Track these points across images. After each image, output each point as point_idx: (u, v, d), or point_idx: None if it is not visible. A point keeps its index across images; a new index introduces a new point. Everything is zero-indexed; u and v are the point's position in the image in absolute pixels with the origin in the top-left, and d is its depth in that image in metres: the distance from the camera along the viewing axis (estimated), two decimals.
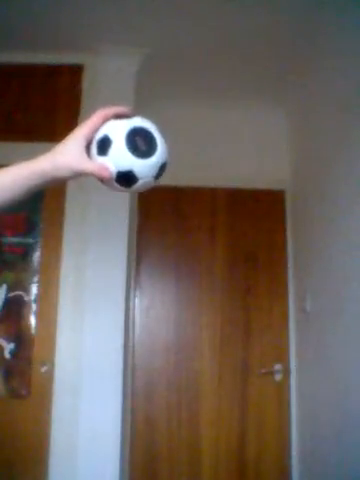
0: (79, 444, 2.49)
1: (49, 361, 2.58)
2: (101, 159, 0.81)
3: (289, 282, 3.18)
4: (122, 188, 0.84)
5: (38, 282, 2.68)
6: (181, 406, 3.03)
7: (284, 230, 3.26)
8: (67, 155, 0.81)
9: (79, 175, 0.82)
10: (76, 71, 2.85)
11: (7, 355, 2.60)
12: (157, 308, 3.15)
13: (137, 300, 3.14)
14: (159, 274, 3.19)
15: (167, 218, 3.25)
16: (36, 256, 2.70)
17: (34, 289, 2.67)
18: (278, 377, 3.07)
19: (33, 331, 2.63)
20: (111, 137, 0.81)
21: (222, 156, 3.30)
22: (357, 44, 2.19)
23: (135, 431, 2.98)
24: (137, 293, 3.15)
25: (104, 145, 0.81)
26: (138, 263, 3.17)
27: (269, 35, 2.61)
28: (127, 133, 0.81)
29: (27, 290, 2.67)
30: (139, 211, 3.21)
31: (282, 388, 3.07)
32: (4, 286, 2.66)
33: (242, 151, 3.32)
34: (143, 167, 0.81)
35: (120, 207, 2.71)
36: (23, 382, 2.58)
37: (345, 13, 2.28)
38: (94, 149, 0.82)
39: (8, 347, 2.61)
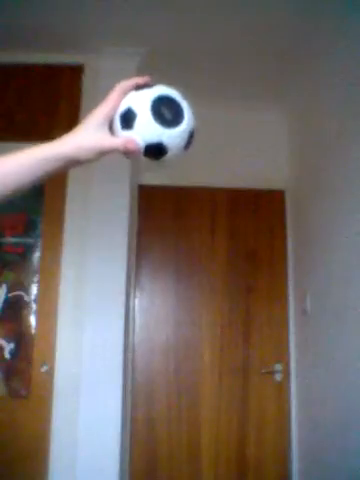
0: (79, 444, 2.48)
1: (49, 361, 2.58)
2: (126, 133, 0.76)
3: (289, 282, 3.18)
4: (151, 161, 0.79)
5: (38, 282, 2.68)
6: (181, 406, 3.03)
7: (284, 230, 3.26)
8: (89, 136, 0.76)
9: (104, 155, 0.78)
10: (76, 71, 2.85)
11: (7, 355, 2.60)
12: (157, 308, 3.15)
13: (137, 300, 3.14)
14: (159, 274, 3.19)
15: (167, 218, 3.25)
16: (36, 256, 2.70)
17: (34, 289, 2.67)
18: (278, 377, 3.07)
19: (33, 331, 2.63)
20: (135, 109, 0.76)
21: (222, 156, 3.30)
22: (356, 45, 2.19)
23: (135, 431, 2.98)
24: (137, 293, 3.15)
25: (128, 118, 0.76)
26: (138, 263, 3.17)
27: (268, 35, 2.61)
28: (152, 103, 0.76)
29: (27, 290, 2.67)
30: (139, 211, 3.20)
31: (282, 388, 3.07)
32: (4, 286, 2.66)
33: (242, 151, 3.32)
34: (172, 137, 0.76)
35: (120, 207, 2.72)
36: (23, 382, 2.58)
37: (345, 14, 2.28)
38: (118, 124, 0.78)
39: (8, 347, 2.61)
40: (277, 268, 3.21)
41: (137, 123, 0.76)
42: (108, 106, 0.78)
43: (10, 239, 2.71)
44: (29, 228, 2.72)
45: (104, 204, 2.69)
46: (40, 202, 2.74)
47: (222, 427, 3.02)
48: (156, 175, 3.24)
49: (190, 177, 3.25)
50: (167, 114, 0.76)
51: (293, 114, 3.24)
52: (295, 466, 2.94)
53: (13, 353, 2.60)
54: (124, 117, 0.77)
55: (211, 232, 3.25)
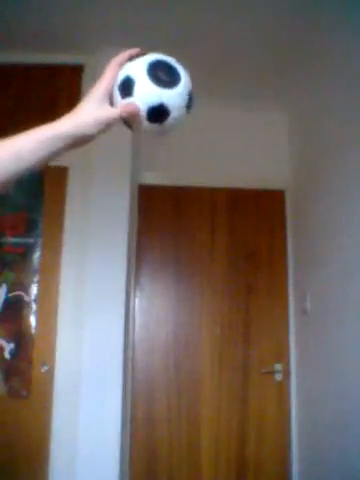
0: (79, 444, 2.49)
1: (49, 361, 2.58)
2: (127, 100, 0.78)
3: (289, 282, 3.18)
4: (155, 127, 0.80)
5: (38, 282, 2.68)
6: (181, 406, 3.03)
7: (284, 230, 3.26)
8: (90, 110, 0.77)
9: (106, 126, 0.78)
10: (76, 71, 2.85)
11: (7, 355, 2.60)
12: (157, 308, 3.15)
13: (137, 300, 3.14)
14: (159, 274, 3.18)
15: (167, 218, 3.25)
16: (36, 256, 2.70)
17: (34, 289, 2.67)
18: (278, 377, 3.07)
19: (33, 331, 2.63)
20: (132, 76, 0.78)
21: (222, 156, 3.30)
22: (357, 44, 2.19)
23: (135, 431, 2.98)
24: (137, 293, 3.15)
25: (127, 86, 0.78)
26: (138, 263, 3.17)
27: (269, 35, 2.61)
28: (147, 67, 0.78)
29: (27, 290, 2.67)
30: (139, 211, 3.20)
31: (282, 388, 3.07)
32: (4, 286, 2.66)
33: (242, 151, 3.32)
34: (172, 97, 0.78)
35: (120, 207, 2.72)
36: (23, 382, 2.58)
37: (346, 14, 2.28)
38: (117, 94, 0.79)
39: (8, 347, 2.61)
40: (277, 268, 3.21)
41: (136, 89, 0.77)
42: (106, 80, 0.79)
43: (10, 239, 2.71)
44: (29, 228, 2.72)
45: (104, 204, 2.69)
46: (40, 202, 2.74)
47: (222, 427, 3.02)
48: (156, 175, 3.24)
49: (190, 177, 3.25)
50: (164, 76, 0.78)
51: (293, 114, 3.24)
52: (295, 466, 2.94)
53: (13, 353, 2.60)
54: (123, 86, 0.79)
55: (211, 232, 3.25)
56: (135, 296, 3.14)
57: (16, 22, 2.58)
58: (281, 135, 3.35)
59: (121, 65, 0.80)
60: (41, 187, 2.75)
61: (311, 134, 2.88)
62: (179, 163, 3.27)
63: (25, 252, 2.70)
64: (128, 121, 0.80)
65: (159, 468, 2.96)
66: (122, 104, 0.78)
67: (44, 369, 2.58)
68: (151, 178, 3.23)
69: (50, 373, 2.57)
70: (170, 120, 0.80)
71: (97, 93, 0.78)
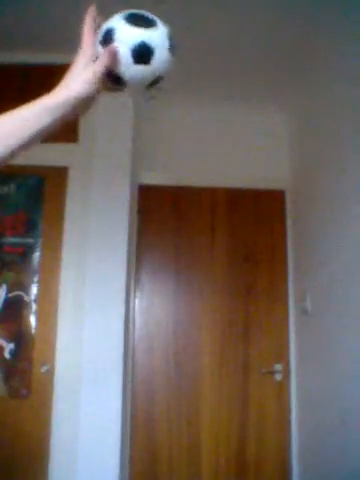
0: (79, 444, 2.49)
1: (49, 361, 2.58)
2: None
3: (289, 282, 3.18)
4: (143, 70, 0.80)
5: (38, 282, 2.68)
6: (181, 406, 3.03)
7: (284, 230, 3.26)
8: (77, 75, 0.79)
9: (97, 82, 0.79)
10: None
11: (7, 355, 2.60)
12: (157, 308, 3.15)
13: (137, 300, 3.14)
14: (159, 274, 3.19)
15: (167, 218, 3.25)
16: (36, 256, 2.70)
17: (34, 289, 2.67)
18: (278, 377, 3.07)
19: (33, 331, 2.63)
20: (111, 26, 0.80)
21: (222, 156, 3.30)
22: (357, 44, 2.19)
23: (135, 431, 2.98)
24: (137, 293, 3.15)
25: (107, 38, 0.79)
26: (138, 263, 3.17)
27: (269, 36, 2.61)
28: (125, 17, 0.80)
29: (27, 290, 2.67)
30: (139, 211, 3.20)
31: (282, 388, 3.07)
32: (4, 286, 2.66)
33: (242, 151, 3.32)
34: (153, 36, 0.80)
35: (120, 207, 2.72)
36: (23, 382, 2.58)
37: (346, 15, 2.28)
38: (100, 49, 0.80)
39: (8, 347, 2.61)
40: (277, 268, 3.21)
41: (117, 36, 0.79)
42: (84, 40, 0.81)
43: (10, 239, 2.71)
44: (29, 228, 2.72)
45: (104, 204, 2.69)
46: (40, 202, 2.74)
47: (222, 427, 3.02)
48: (156, 175, 3.25)
49: (190, 177, 3.25)
50: (141, 21, 0.81)
51: (293, 114, 3.24)
52: (295, 466, 2.94)
53: (13, 353, 2.60)
54: (104, 39, 0.80)
55: (211, 232, 3.25)
56: (135, 296, 3.14)
57: (16, 22, 2.58)
58: (281, 135, 3.35)
59: (94, 27, 0.82)
60: (41, 187, 2.75)
61: (311, 134, 2.88)
62: (179, 163, 3.27)
63: (25, 252, 2.70)
64: (113, 69, 0.80)
65: (159, 468, 2.96)
66: (103, 51, 0.79)
67: (44, 369, 2.57)
68: (151, 178, 3.23)
69: (50, 373, 2.57)
70: (156, 61, 0.80)
71: (81, 57, 0.80)
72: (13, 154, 0.74)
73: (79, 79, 0.79)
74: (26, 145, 0.75)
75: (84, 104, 0.80)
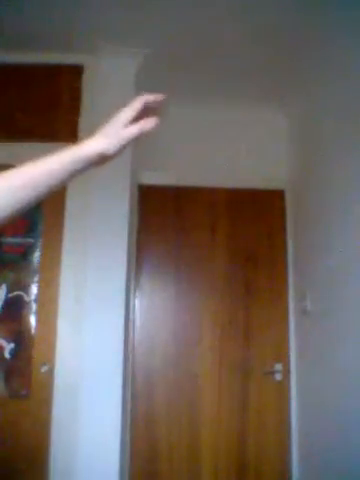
0: (79, 444, 2.48)
1: (49, 361, 2.58)
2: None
3: (289, 282, 3.18)
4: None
5: (38, 282, 2.68)
6: (181, 406, 3.03)
7: (284, 230, 3.26)
8: (114, 130, 0.81)
9: (127, 143, 0.82)
10: (76, 71, 2.85)
11: (7, 355, 2.60)
12: (157, 308, 3.15)
13: (137, 300, 3.14)
14: (159, 274, 3.19)
15: (167, 218, 3.25)
16: (36, 256, 2.70)
17: (34, 289, 2.67)
18: (278, 377, 3.07)
19: (33, 331, 2.63)
20: None
21: (222, 156, 3.29)
22: (357, 44, 2.20)
23: (135, 431, 2.98)
24: (137, 293, 3.15)
25: None
26: (138, 263, 3.17)
27: (269, 35, 2.61)
28: None
29: (27, 290, 2.67)
30: (139, 211, 3.21)
31: (282, 388, 3.07)
32: (4, 286, 2.66)
33: (242, 151, 3.32)
34: None
35: (120, 207, 2.71)
36: (23, 382, 2.58)
37: (347, 17, 2.28)
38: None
39: (8, 347, 2.61)
40: (277, 268, 3.21)
41: None
42: (130, 111, 0.84)
43: (10, 239, 2.71)
44: (29, 228, 2.72)
45: (104, 204, 2.69)
46: (40, 202, 2.74)
47: (222, 427, 3.02)
48: (156, 175, 3.24)
49: (190, 177, 3.25)
50: None
51: (293, 114, 3.24)
52: (295, 466, 2.94)
53: (13, 353, 2.60)
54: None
55: (211, 232, 3.25)
56: (135, 296, 3.14)
57: (16, 22, 2.58)
58: (281, 135, 3.35)
59: (146, 104, 0.85)
60: None
61: (311, 134, 2.88)
62: (179, 163, 3.27)
63: (25, 252, 2.70)
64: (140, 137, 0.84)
65: (159, 468, 2.96)
66: (141, 123, 0.83)
67: (44, 369, 2.57)
68: (151, 178, 3.23)
69: (50, 373, 2.57)
70: None
71: (119, 120, 0.82)
72: (37, 201, 0.80)
73: (115, 136, 0.81)
74: (50, 193, 0.80)
75: (103, 161, 0.82)
